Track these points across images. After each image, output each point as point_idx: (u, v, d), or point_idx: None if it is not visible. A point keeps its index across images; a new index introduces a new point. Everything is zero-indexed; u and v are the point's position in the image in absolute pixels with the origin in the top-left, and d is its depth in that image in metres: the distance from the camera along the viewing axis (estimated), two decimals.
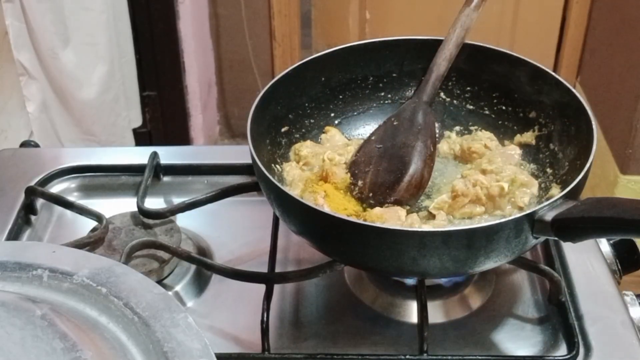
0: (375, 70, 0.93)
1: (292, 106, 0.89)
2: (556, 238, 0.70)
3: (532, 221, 0.69)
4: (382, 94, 0.94)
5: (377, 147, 0.86)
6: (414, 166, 0.84)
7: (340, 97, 0.93)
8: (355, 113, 0.93)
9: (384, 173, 0.84)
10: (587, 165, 0.74)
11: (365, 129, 0.93)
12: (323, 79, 0.91)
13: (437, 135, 0.89)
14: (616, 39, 1.94)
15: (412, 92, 0.94)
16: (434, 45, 0.91)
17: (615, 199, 0.67)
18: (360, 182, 0.84)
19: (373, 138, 0.88)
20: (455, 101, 0.93)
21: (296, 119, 0.90)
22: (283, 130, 0.89)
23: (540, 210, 0.69)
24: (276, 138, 0.88)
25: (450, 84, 0.93)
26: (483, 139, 0.89)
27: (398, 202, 0.82)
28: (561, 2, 2.13)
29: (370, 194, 0.83)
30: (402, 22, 2.17)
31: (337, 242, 0.74)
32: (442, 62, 0.89)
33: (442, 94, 0.93)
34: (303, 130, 0.91)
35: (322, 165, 0.86)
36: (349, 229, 0.70)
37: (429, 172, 0.85)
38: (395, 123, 0.88)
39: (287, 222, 0.77)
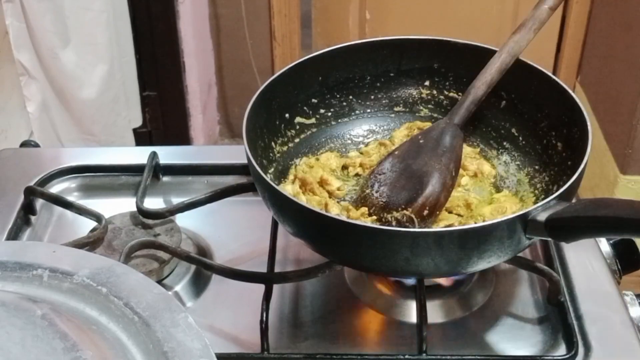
0: (373, 70, 0.93)
1: (289, 105, 0.89)
2: (549, 239, 0.69)
3: (525, 222, 0.68)
4: (380, 94, 0.94)
5: (398, 163, 0.83)
6: (431, 188, 0.80)
7: (337, 96, 0.93)
8: (352, 114, 0.93)
9: (400, 190, 0.81)
10: (581, 166, 0.73)
11: (363, 128, 0.93)
12: (320, 78, 0.91)
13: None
14: (616, 39, 1.94)
15: (409, 92, 0.94)
16: (432, 45, 0.90)
17: (611, 199, 0.67)
18: (375, 194, 0.81)
19: (396, 153, 0.84)
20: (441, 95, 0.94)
21: (292, 119, 0.90)
22: (277, 130, 0.88)
23: (534, 210, 0.68)
24: (271, 138, 0.87)
25: (447, 84, 0.93)
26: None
27: (409, 221, 0.79)
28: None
29: (382, 208, 0.80)
30: (402, 22, 2.17)
31: (331, 242, 0.74)
32: (480, 85, 0.85)
33: (434, 92, 0.94)
34: (295, 129, 0.90)
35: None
36: (343, 229, 0.70)
37: (446, 196, 0.81)
38: (421, 141, 0.84)
39: (282, 222, 0.77)
